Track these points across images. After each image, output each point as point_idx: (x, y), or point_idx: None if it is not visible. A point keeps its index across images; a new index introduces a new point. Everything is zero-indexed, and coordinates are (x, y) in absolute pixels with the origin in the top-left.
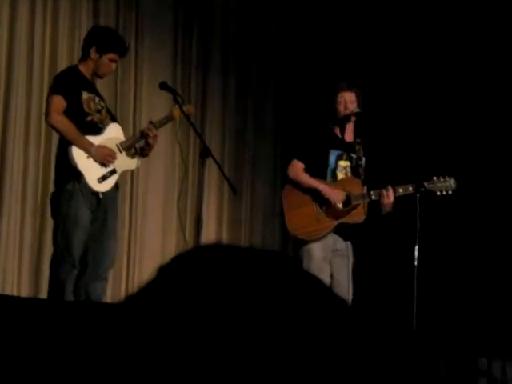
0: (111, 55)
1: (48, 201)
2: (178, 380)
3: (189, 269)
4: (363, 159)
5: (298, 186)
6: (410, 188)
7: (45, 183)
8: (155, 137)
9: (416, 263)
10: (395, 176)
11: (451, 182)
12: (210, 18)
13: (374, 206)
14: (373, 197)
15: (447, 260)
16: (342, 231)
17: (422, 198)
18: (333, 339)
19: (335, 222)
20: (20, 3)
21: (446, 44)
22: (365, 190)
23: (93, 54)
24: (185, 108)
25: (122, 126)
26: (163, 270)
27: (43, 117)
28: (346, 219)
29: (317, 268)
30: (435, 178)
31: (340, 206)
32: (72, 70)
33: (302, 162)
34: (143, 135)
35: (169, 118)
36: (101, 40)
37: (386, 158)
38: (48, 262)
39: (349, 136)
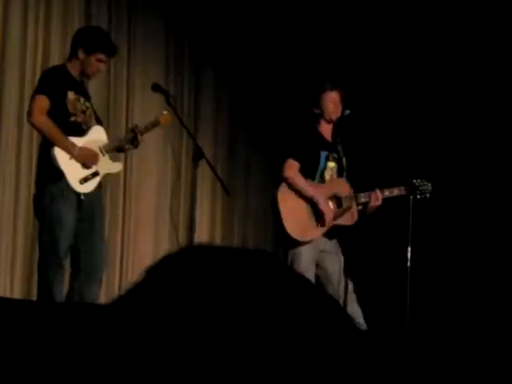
0: (99, 55)
1: None
2: (165, 381)
3: (176, 270)
4: (344, 159)
5: (292, 187)
6: (396, 191)
7: None
8: (139, 143)
9: (409, 264)
10: (375, 178)
11: (429, 186)
12: (202, 20)
13: (363, 208)
14: (362, 199)
15: (440, 261)
16: (327, 232)
17: (414, 199)
18: (321, 337)
19: (329, 225)
20: (12, 5)
21: (422, 39)
22: (351, 191)
23: (80, 54)
24: (167, 116)
25: (114, 127)
26: (151, 272)
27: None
28: (339, 221)
29: (304, 269)
30: (414, 180)
31: (332, 213)
32: (59, 69)
33: (298, 161)
34: (133, 137)
35: (154, 124)
36: (88, 40)
37: (366, 159)
38: None
39: (331, 136)
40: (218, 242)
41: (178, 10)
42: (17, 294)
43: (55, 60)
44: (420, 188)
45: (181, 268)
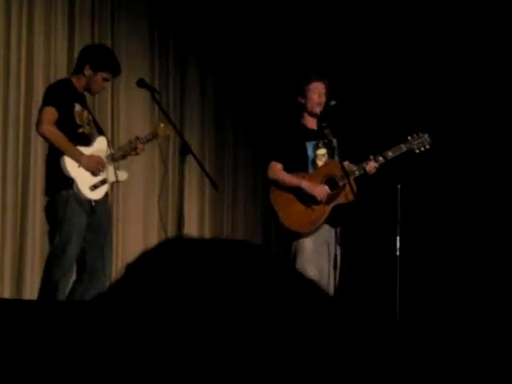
0: (105, 74)
1: (29, 205)
2: (144, 375)
3: (155, 264)
4: (334, 140)
5: (280, 186)
6: (390, 153)
7: (24, 187)
8: (141, 150)
9: (398, 253)
10: (373, 146)
11: (426, 137)
12: (186, 14)
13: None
14: (356, 173)
15: (429, 249)
16: (332, 218)
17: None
18: (308, 329)
19: (329, 207)
20: None
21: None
22: (348, 167)
23: (87, 70)
24: (164, 129)
25: (99, 123)
26: (130, 267)
27: (19, 123)
28: (338, 201)
29: (306, 260)
30: (409, 137)
31: (327, 193)
32: (65, 83)
33: (280, 162)
34: (133, 148)
35: (153, 136)
36: (96, 58)
37: (358, 132)
38: (30, 265)
39: (317, 124)
40: (207, 236)
41: (161, 5)
42: (6, 295)
43: (39, 60)
44: (416, 142)
45: (160, 262)
